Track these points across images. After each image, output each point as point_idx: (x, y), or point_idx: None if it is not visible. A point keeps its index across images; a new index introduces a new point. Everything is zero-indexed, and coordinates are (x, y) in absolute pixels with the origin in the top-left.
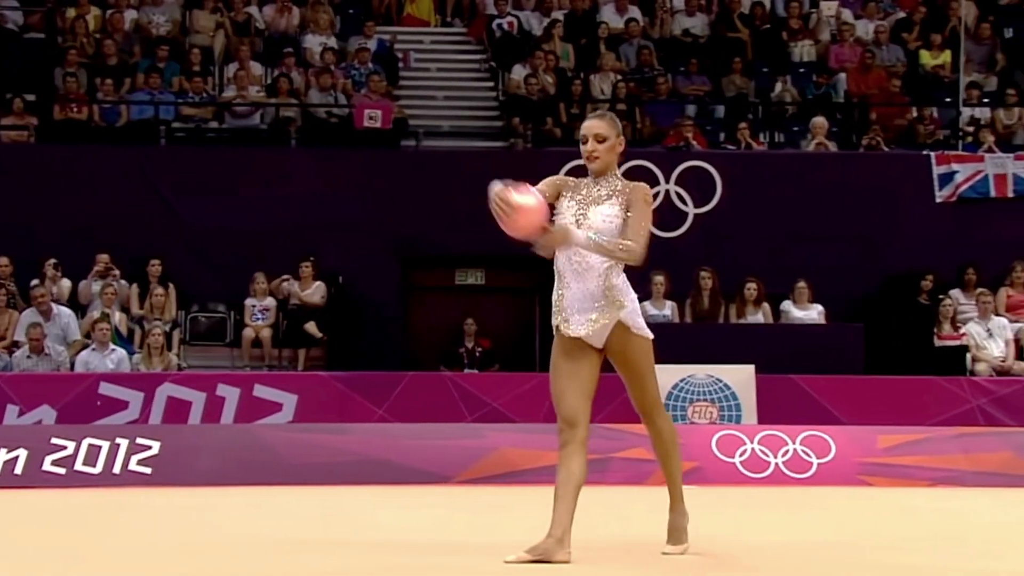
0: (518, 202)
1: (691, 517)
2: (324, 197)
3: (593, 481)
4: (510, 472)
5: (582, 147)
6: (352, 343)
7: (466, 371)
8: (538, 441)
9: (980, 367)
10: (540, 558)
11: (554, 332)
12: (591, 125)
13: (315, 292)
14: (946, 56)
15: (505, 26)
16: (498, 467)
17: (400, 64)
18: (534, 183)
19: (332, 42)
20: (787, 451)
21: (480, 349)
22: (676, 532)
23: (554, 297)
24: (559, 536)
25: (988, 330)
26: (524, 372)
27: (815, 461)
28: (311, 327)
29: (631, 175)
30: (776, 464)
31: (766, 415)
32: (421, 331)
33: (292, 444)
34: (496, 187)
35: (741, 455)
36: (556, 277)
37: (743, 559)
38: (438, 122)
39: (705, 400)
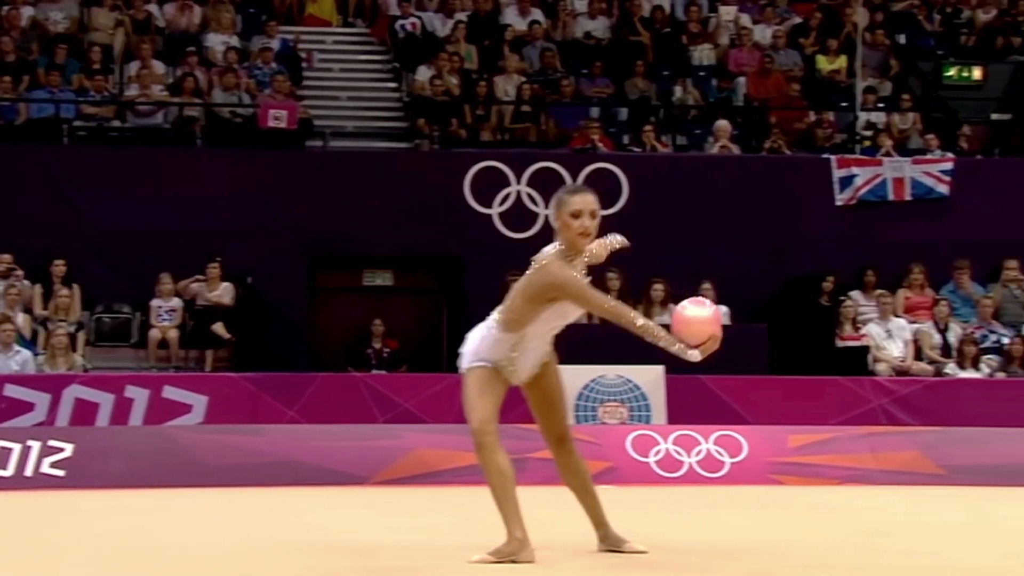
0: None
1: (614, 518)
2: (231, 197)
3: None
4: (427, 473)
5: (575, 221)
6: (259, 344)
7: (374, 372)
8: (455, 442)
9: (880, 367)
10: (506, 559)
11: (484, 366)
12: (589, 200)
13: (223, 293)
14: (842, 61)
15: (408, 27)
16: (415, 468)
17: (303, 64)
18: (441, 184)
19: (234, 41)
20: (700, 451)
21: (387, 350)
22: (618, 538)
23: (506, 350)
24: (521, 536)
25: (888, 331)
26: (434, 373)
27: (728, 461)
28: (219, 328)
29: (538, 178)
30: (690, 464)
31: (675, 415)
32: (328, 332)
33: (208, 445)
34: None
35: (655, 455)
36: (516, 336)
37: (687, 559)
38: (342, 122)
39: (615, 400)
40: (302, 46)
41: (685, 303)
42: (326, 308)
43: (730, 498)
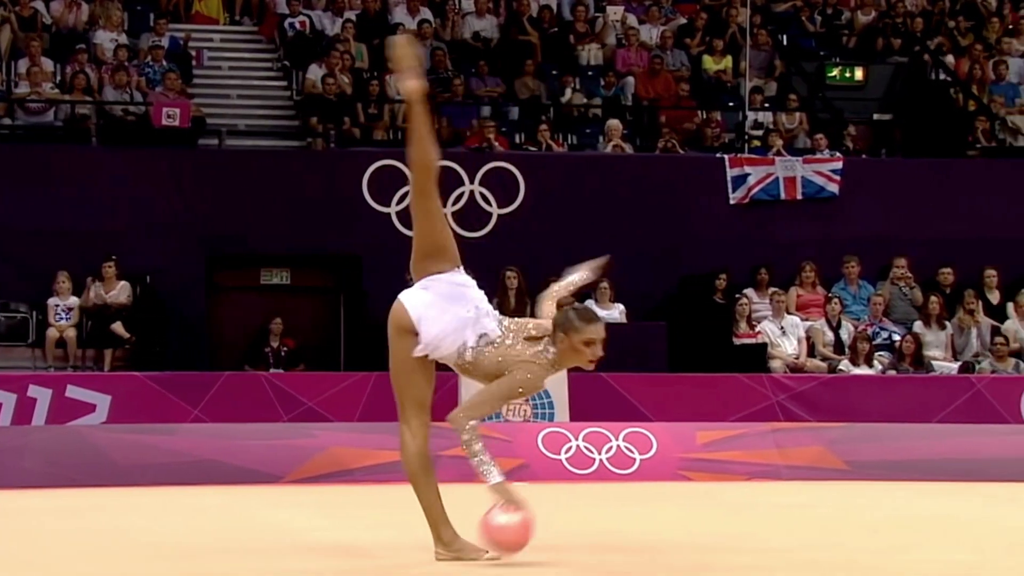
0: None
1: (537, 515)
2: (127, 196)
3: None
4: (341, 471)
5: (587, 348)
6: (158, 343)
7: (271, 370)
8: (369, 440)
9: (775, 364)
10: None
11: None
12: (602, 330)
13: (120, 292)
14: (727, 61)
15: (297, 25)
16: (329, 466)
17: (193, 62)
18: (338, 183)
19: (123, 39)
20: (611, 447)
21: (285, 348)
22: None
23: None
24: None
25: (782, 328)
26: (338, 372)
27: (638, 457)
28: (118, 327)
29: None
30: (600, 460)
31: (578, 412)
32: (226, 330)
33: (122, 445)
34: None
35: (566, 452)
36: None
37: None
38: (234, 121)
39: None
40: (191, 44)
41: (495, 512)
42: (224, 307)
43: (641, 494)
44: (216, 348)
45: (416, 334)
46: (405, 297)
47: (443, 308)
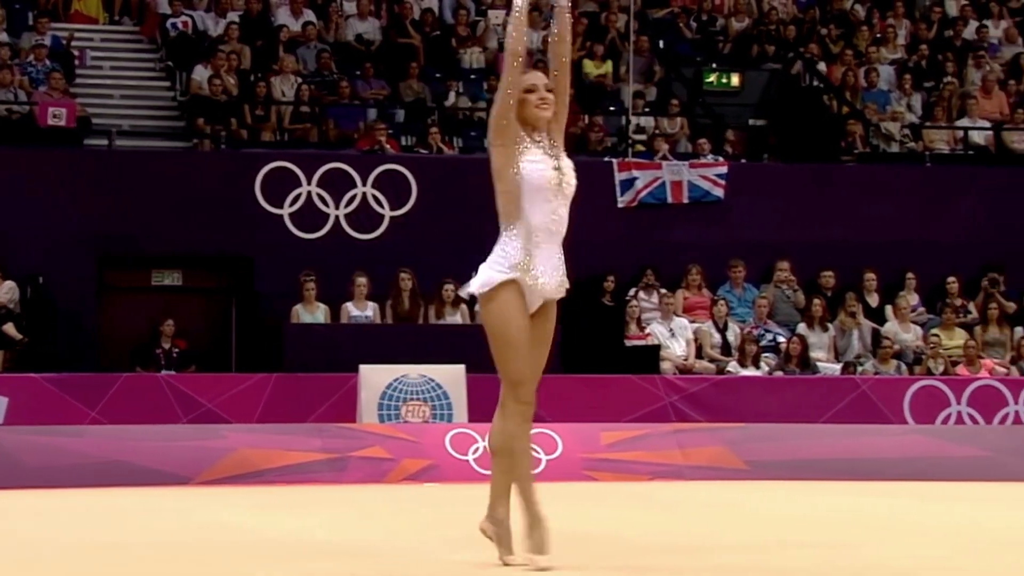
0: None
1: (442, 516)
2: (15, 196)
3: (331, 480)
4: (250, 472)
5: (531, 95)
6: (49, 344)
7: (163, 372)
8: (278, 441)
9: (665, 365)
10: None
11: (497, 288)
12: (540, 75)
13: (7, 293)
14: (608, 66)
15: (179, 25)
16: (238, 467)
17: (76, 62)
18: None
19: (4, 37)
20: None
21: (177, 350)
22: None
23: (513, 254)
24: (502, 517)
25: (671, 330)
26: (235, 373)
27: (544, 457)
28: (9, 328)
29: (327, 178)
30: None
31: (476, 413)
32: (117, 331)
33: (29, 447)
34: None
35: (474, 453)
36: (521, 234)
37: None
38: (118, 121)
39: (418, 400)
40: (73, 44)
41: None
42: (115, 308)
43: (553, 493)
44: (107, 349)
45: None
46: None
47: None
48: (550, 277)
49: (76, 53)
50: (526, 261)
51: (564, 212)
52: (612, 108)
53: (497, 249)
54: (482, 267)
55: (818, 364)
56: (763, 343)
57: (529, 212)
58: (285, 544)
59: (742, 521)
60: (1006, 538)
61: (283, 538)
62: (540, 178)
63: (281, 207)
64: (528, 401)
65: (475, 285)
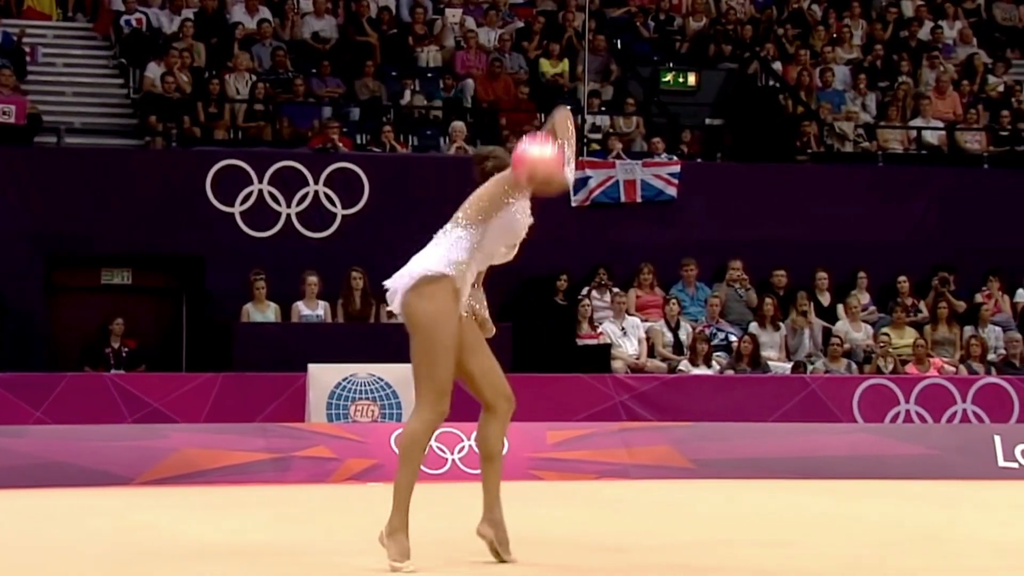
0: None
1: (375, 516)
2: None
3: (274, 480)
4: (193, 472)
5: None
6: None
7: (112, 371)
8: (221, 441)
9: (616, 364)
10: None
11: (434, 287)
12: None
13: None
14: (564, 65)
15: (133, 23)
16: (180, 467)
17: (27, 58)
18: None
19: None
20: (463, 447)
21: (126, 349)
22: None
23: (459, 253)
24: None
25: (623, 329)
26: (182, 372)
27: (450, 457)
28: None
29: (279, 177)
30: (453, 460)
31: None
32: (66, 331)
33: None
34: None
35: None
36: (473, 240)
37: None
38: (69, 119)
39: (367, 399)
40: (24, 40)
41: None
42: (63, 307)
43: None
44: (56, 349)
45: None
46: None
47: None
48: (465, 296)
49: (27, 49)
50: (464, 267)
51: (510, 257)
52: (569, 107)
53: (443, 241)
54: (418, 258)
55: (769, 363)
56: (715, 342)
57: (490, 240)
58: (207, 545)
59: (686, 520)
60: (921, 535)
61: (207, 539)
62: (520, 227)
63: (232, 206)
64: (444, 412)
65: (417, 272)
